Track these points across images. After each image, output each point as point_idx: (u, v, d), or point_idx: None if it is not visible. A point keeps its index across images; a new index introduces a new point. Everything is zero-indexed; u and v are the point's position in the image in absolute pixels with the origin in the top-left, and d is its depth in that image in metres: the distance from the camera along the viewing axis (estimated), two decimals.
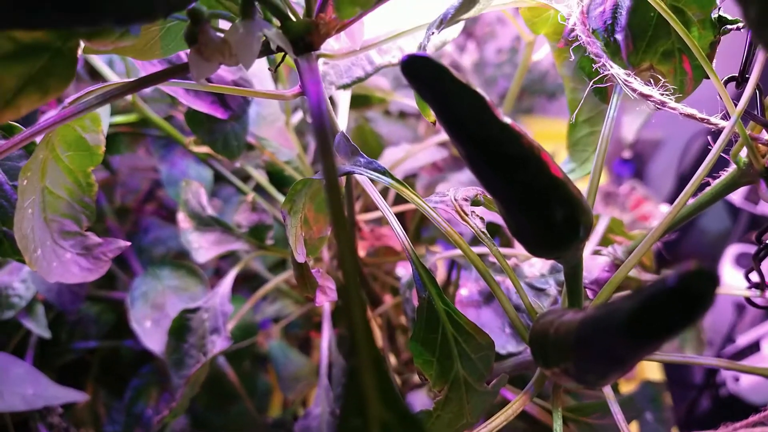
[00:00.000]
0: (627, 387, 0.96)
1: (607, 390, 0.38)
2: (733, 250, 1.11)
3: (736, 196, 0.95)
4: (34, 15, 0.26)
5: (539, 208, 0.30)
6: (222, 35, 0.31)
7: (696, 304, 0.20)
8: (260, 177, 0.64)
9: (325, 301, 0.43)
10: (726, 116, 0.37)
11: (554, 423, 0.34)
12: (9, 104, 0.30)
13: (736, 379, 0.97)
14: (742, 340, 0.99)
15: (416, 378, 0.65)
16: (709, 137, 0.39)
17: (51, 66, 0.30)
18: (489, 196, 0.39)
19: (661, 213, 0.62)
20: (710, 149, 0.37)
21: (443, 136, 0.70)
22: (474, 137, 0.29)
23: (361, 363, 0.21)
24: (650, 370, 1.06)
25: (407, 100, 0.71)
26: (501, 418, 0.35)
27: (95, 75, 0.62)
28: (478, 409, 0.37)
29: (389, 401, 0.21)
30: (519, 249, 0.56)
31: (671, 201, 0.39)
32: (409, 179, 0.74)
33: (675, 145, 1.39)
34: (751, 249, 0.49)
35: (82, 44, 0.31)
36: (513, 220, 0.31)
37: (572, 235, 0.30)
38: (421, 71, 0.29)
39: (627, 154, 1.47)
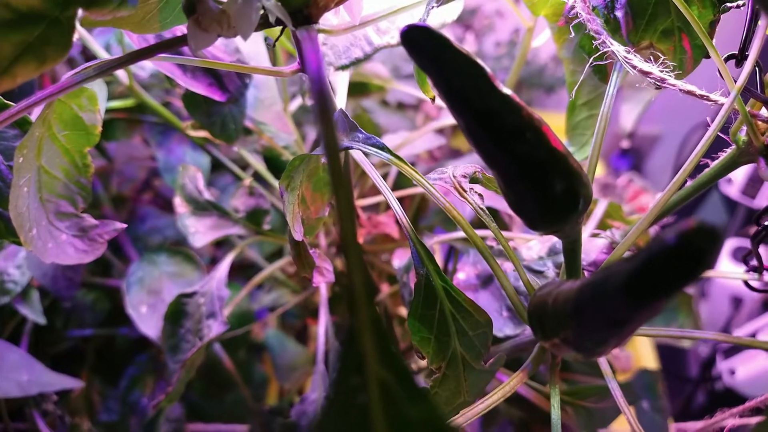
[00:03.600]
0: (622, 377, 0.96)
1: (607, 370, 0.37)
2: (730, 244, 1.11)
3: (734, 190, 0.95)
4: None
5: (539, 180, 0.29)
6: (220, 6, 0.31)
7: (697, 261, 0.20)
8: (257, 163, 0.64)
9: (322, 282, 0.43)
10: (725, 95, 0.37)
11: (552, 399, 0.34)
12: (5, 72, 0.30)
13: (732, 373, 0.97)
14: (739, 333, 0.99)
15: (414, 365, 0.65)
16: (708, 119, 0.39)
17: (48, 35, 0.30)
18: (488, 174, 0.39)
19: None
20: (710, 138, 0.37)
21: (440, 123, 0.70)
22: (474, 108, 0.29)
23: (360, 322, 0.21)
24: (647, 362, 1.06)
25: (406, 88, 0.71)
26: (498, 394, 0.34)
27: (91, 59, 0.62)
28: (475, 387, 0.37)
29: (388, 360, 0.21)
30: (516, 233, 0.56)
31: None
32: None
33: (673, 140, 1.39)
34: (748, 243, 0.49)
35: (80, 13, 0.31)
36: (512, 193, 0.31)
37: (571, 208, 0.30)
38: (421, 41, 0.29)
39: (626, 143, 1.47)
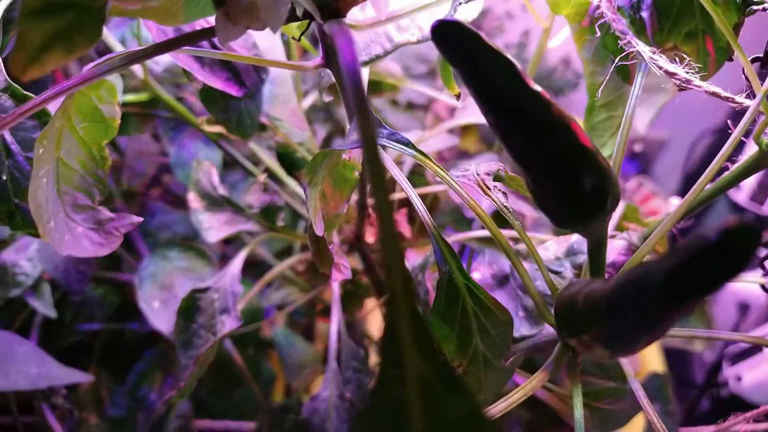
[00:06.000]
0: None
1: (629, 371, 0.37)
2: None
3: (742, 196, 0.95)
4: None
5: (568, 178, 0.29)
6: None
7: (738, 258, 0.20)
8: (269, 159, 0.64)
9: (340, 278, 0.43)
10: (750, 96, 0.37)
11: (574, 399, 0.34)
12: (35, 61, 0.30)
13: (738, 379, 0.97)
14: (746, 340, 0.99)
15: None
16: (729, 121, 0.39)
17: (78, 23, 0.30)
18: (510, 173, 0.38)
19: (670, 206, 0.62)
20: (717, 147, 0.37)
21: (451, 123, 0.69)
22: (505, 104, 0.29)
23: (398, 315, 0.21)
24: (654, 365, 1.06)
25: (418, 87, 0.71)
26: (520, 393, 0.34)
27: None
28: (495, 385, 0.37)
29: (427, 353, 0.21)
30: (530, 233, 0.56)
31: (678, 195, 0.39)
32: (417, 167, 0.74)
33: (681, 145, 1.39)
34: (757, 250, 0.49)
35: (110, 3, 0.31)
36: (540, 190, 0.31)
37: (600, 206, 0.30)
38: (453, 36, 0.29)
39: (637, 147, 1.48)
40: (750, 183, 0.91)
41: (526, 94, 0.29)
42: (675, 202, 0.51)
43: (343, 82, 0.38)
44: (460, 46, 0.29)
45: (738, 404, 0.97)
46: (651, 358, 1.05)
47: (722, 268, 0.20)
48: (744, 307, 1.08)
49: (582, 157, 0.29)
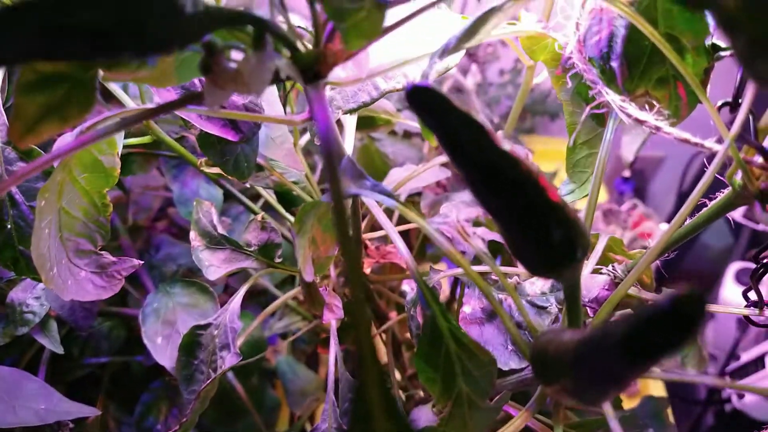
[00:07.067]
0: (630, 403, 0.97)
1: (607, 407, 0.39)
2: (735, 267, 1.12)
3: (738, 213, 0.96)
4: (58, 49, 0.27)
5: (537, 230, 0.31)
6: (235, 65, 0.33)
7: (686, 327, 0.21)
8: (269, 196, 0.66)
9: (332, 318, 0.44)
10: (721, 140, 0.38)
11: None
12: (31, 131, 0.32)
13: (741, 396, 0.97)
14: (746, 356, 1.00)
15: (421, 393, 0.66)
16: (705, 160, 0.40)
17: (71, 95, 0.32)
18: (490, 217, 0.40)
19: (661, 231, 0.63)
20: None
21: (446, 157, 0.71)
22: (474, 162, 0.30)
23: (368, 380, 0.22)
24: (654, 385, 1.06)
25: (412, 121, 0.73)
26: None
27: (108, 97, 0.64)
28: (480, 425, 0.39)
29: (393, 415, 0.22)
30: (521, 268, 0.57)
31: (672, 219, 0.40)
32: (414, 197, 0.76)
33: (677, 163, 1.40)
34: (753, 266, 0.50)
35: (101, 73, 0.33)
36: (512, 241, 0.32)
37: (569, 256, 0.32)
38: (423, 100, 0.30)
39: (627, 173, 1.49)
40: None
41: (494, 153, 0.30)
42: (665, 228, 0.52)
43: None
44: (430, 110, 0.30)
45: (741, 420, 0.98)
46: (651, 380, 1.05)
47: (673, 335, 0.22)
48: (744, 324, 1.08)
49: (549, 210, 0.31)
